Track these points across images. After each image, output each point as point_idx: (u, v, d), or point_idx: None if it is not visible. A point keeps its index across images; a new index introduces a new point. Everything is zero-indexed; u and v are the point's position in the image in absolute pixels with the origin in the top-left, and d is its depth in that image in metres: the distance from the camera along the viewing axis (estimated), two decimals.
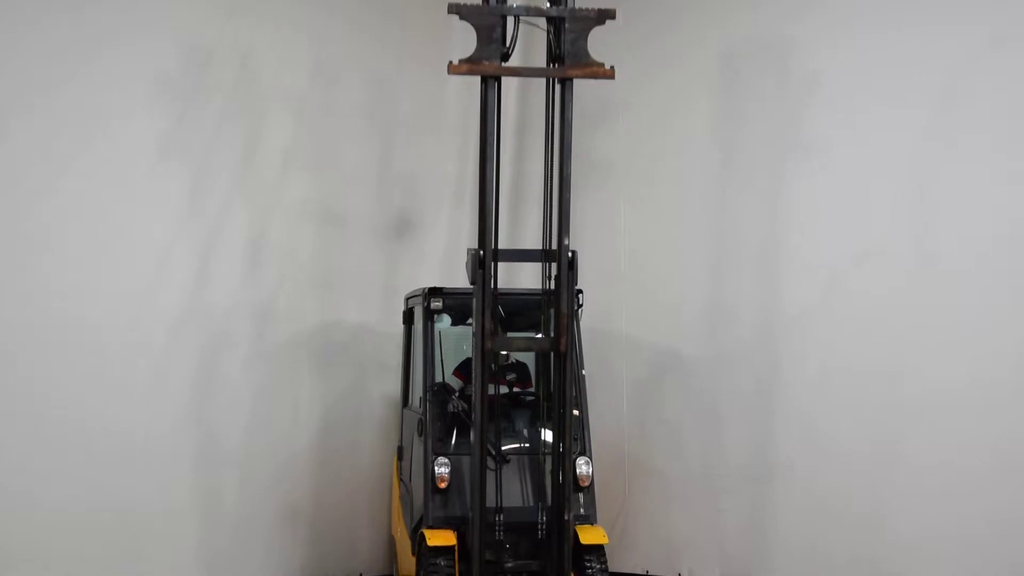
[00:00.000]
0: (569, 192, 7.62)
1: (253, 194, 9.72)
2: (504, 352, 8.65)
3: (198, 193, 9.38)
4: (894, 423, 8.69)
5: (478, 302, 7.83)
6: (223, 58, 9.48)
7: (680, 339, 10.04)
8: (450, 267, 10.43)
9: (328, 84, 10.12)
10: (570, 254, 7.88)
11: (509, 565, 8.06)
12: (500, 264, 8.06)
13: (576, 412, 8.40)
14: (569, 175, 7.63)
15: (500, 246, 8.04)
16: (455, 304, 8.79)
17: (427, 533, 8.04)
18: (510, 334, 8.94)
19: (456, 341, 9.40)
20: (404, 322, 9.63)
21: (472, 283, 7.89)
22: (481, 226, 7.88)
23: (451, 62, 7.63)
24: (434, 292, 8.71)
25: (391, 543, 9.85)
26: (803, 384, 9.26)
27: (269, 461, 9.73)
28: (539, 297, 8.20)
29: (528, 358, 9.32)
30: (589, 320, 8.95)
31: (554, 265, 7.97)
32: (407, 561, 8.72)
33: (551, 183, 7.92)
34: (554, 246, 7.89)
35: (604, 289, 9.90)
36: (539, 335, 8.59)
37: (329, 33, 10.10)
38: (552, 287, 7.97)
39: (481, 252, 7.83)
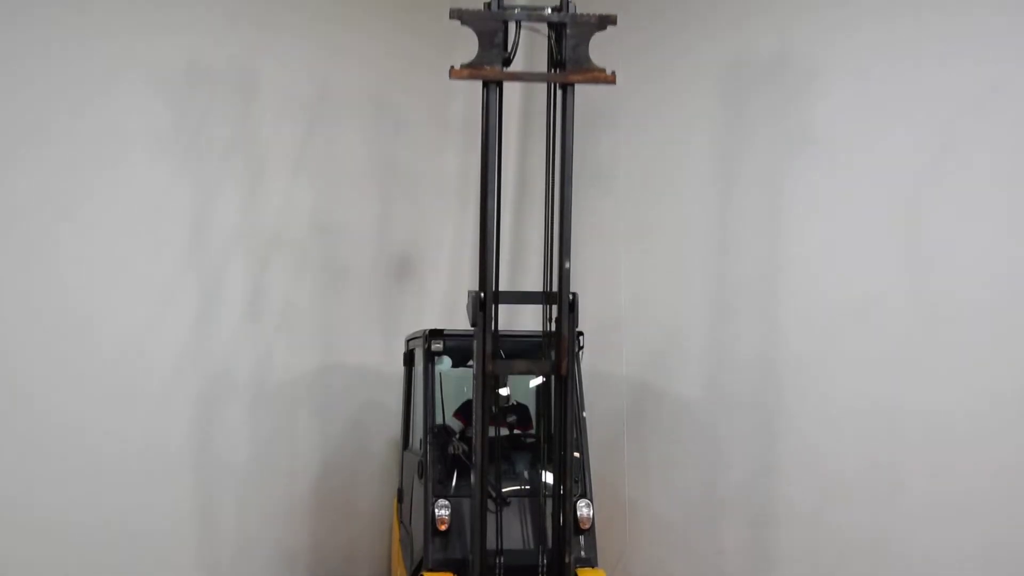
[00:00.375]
0: (570, 219, 7.74)
1: (255, 235, 9.80)
2: (505, 394, 8.70)
3: (201, 233, 9.43)
4: (896, 456, 8.67)
5: (479, 344, 7.91)
6: (226, 101, 9.58)
7: (680, 380, 10.07)
8: (451, 309, 10.55)
9: (330, 125, 10.25)
10: (571, 296, 7.92)
11: None
12: (501, 305, 8.09)
13: (577, 454, 8.42)
14: (570, 198, 7.74)
15: (502, 281, 8.13)
16: (456, 346, 8.85)
17: None
18: (509, 389, 8.91)
19: (457, 383, 9.41)
20: (404, 364, 9.66)
21: (473, 325, 7.97)
22: (482, 268, 7.93)
23: (452, 67, 7.75)
24: (435, 334, 8.76)
25: None
26: (804, 423, 9.22)
27: (268, 502, 9.75)
28: (540, 339, 8.24)
29: (529, 400, 9.38)
30: (589, 360, 9.00)
31: (555, 307, 7.96)
32: None
33: (551, 227, 7.99)
34: (554, 288, 7.92)
35: (604, 330, 9.97)
36: (540, 379, 8.72)
37: (332, 79, 10.24)
38: (553, 329, 7.98)
39: (482, 294, 7.91)
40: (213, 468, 9.44)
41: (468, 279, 10.34)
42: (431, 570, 8.08)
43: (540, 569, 8.02)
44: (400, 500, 9.53)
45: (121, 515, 8.83)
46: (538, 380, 9.00)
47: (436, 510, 8.22)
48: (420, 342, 8.98)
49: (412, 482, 8.97)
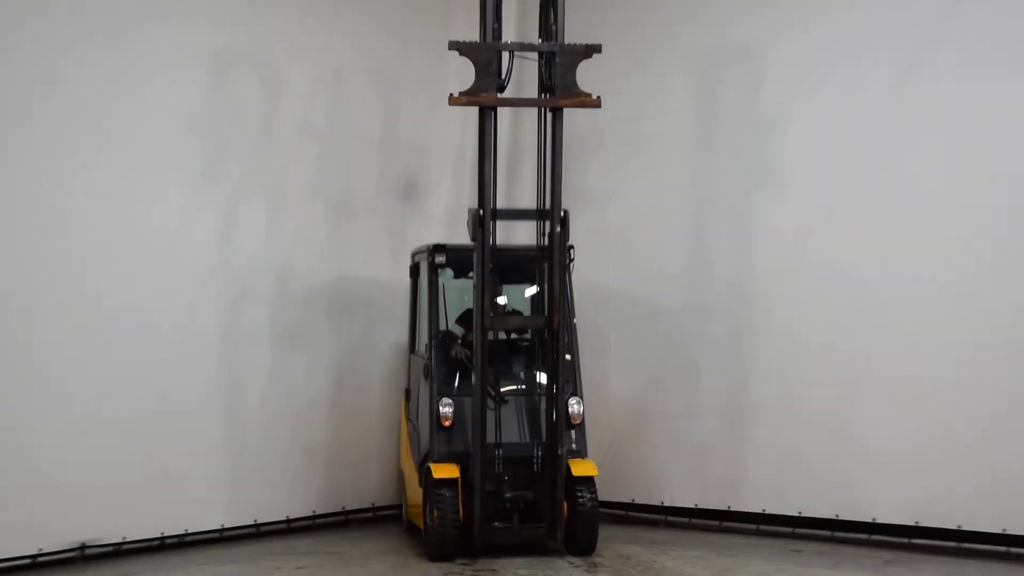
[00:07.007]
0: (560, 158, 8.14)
1: (271, 160, 9.89)
2: (502, 303, 9.06)
3: (220, 159, 9.52)
4: (855, 369, 9.08)
5: (478, 257, 8.34)
6: (242, 37, 9.69)
7: (662, 292, 10.27)
8: (452, 226, 10.61)
9: (339, 62, 10.34)
10: (563, 212, 8.30)
11: (507, 495, 8.49)
12: (498, 221, 8.52)
13: (568, 356, 8.70)
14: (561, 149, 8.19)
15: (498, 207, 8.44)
16: (457, 259, 9.08)
17: (433, 467, 8.49)
18: (506, 298, 9.31)
19: (458, 293, 9.70)
20: (411, 276, 9.93)
21: (473, 240, 8.39)
22: (481, 186, 8.31)
23: (451, 94, 8.17)
24: (438, 248, 9.04)
25: (400, 476, 10.24)
26: (772, 332, 9.59)
27: (289, 404, 9.92)
28: (534, 252, 8.62)
29: (524, 307, 9.61)
30: (581, 272, 9.24)
31: (547, 223, 8.35)
32: (415, 492, 9.20)
33: (544, 150, 8.38)
34: (547, 206, 8.30)
35: (594, 248, 10.06)
36: (535, 288, 9.10)
37: (338, 23, 10.34)
38: (546, 243, 8.38)
39: (481, 211, 8.31)
40: (237, 369, 9.59)
41: (468, 197, 10.33)
42: (436, 462, 8.54)
43: (535, 461, 8.54)
44: (408, 399, 9.84)
45: (155, 413, 8.97)
46: (533, 289, 9.36)
47: (441, 408, 8.66)
48: (425, 256, 9.29)
49: (419, 383, 9.32)
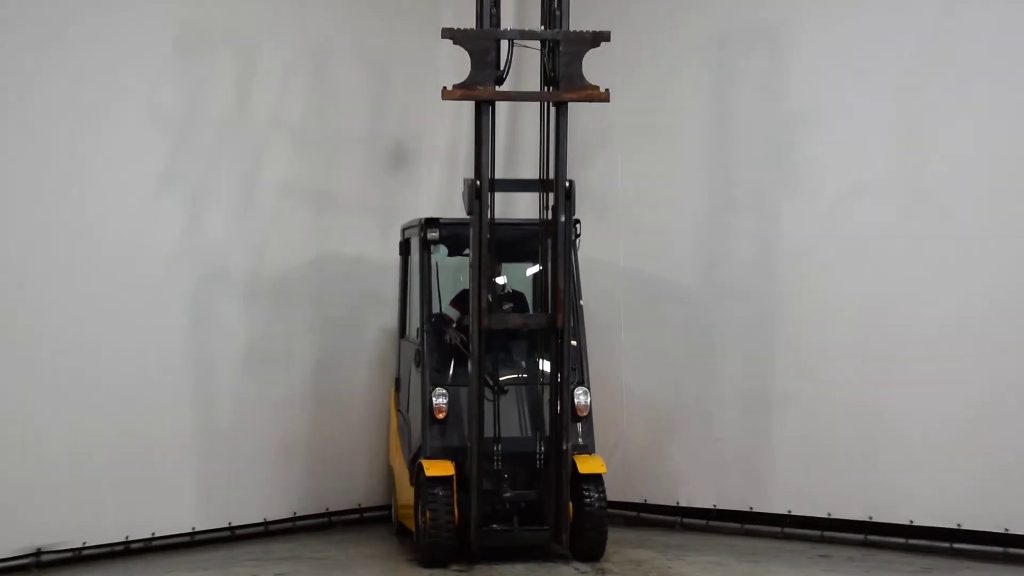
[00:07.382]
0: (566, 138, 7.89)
1: (247, 129, 9.81)
2: (501, 283, 8.92)
3: (192, 129, 9.47)
4: (890, 356, 8.94)
5: (475, 232, 8.07)
6: (212, 13, 9.61)
7: (677, 272, 10.28)
8: (446, 199, 10.67)
9: (323, 25, 10.28)
10: (568, 183, 8.12)
11: (507, 495, 8.30)
12: (496, 194, 8.24)
13: (574, 342, 8.55)
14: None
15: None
16: (452, 234, 8.93)
17: (425, 463, 8.31)
18: (506, 278, 9.24)
19: (453, 272, 9.60)
20: (400, 253, 9.79)
21: (469, 213, 8.12)
22: (478, 157, 8.06)
23: (444, 88, 7.91)
24: (431, 222, 8.87)
25: (389, 474, 10.12)
26: (800, 317, 9.55)
27: (266, 395, 9.87)
28: (536, 227, 8.35)
29: (526, 287, 9.46)
30: (587, 249, 9.10)
31: (551, 195, 8.15)
32: (405, 491, 8.96)
33: (548, 117, 8.13)
34: (550, 176, 8.09)
35: (602, 222, 10.09)
36: (537, 267, 8.77)
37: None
38: (549, 217, 8.15)
39: (478, 182, 8.04)
40: (211, 361, 9.54)
41: (464, 168, 10.48)
42: (429, 458, 8.34)
43: (537, 457, 8.31)
44: (398, 389, 9.67)
45: (123, 406, 8.89)
46: (535, 268, 9.09)
47: (434, 399, 8.49)
48: (416, 231, 9.09)
49: (409, 371, 9.14)
